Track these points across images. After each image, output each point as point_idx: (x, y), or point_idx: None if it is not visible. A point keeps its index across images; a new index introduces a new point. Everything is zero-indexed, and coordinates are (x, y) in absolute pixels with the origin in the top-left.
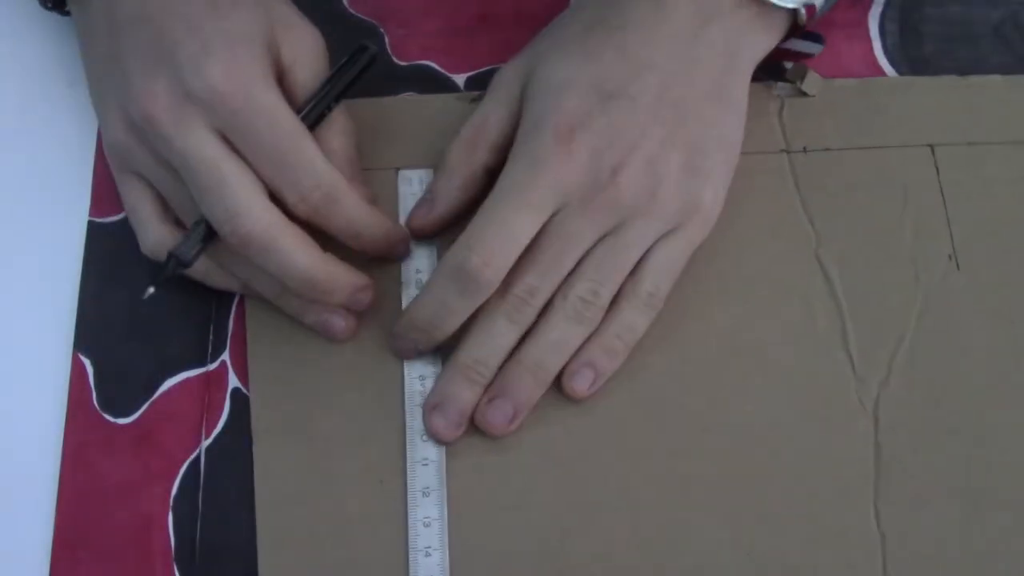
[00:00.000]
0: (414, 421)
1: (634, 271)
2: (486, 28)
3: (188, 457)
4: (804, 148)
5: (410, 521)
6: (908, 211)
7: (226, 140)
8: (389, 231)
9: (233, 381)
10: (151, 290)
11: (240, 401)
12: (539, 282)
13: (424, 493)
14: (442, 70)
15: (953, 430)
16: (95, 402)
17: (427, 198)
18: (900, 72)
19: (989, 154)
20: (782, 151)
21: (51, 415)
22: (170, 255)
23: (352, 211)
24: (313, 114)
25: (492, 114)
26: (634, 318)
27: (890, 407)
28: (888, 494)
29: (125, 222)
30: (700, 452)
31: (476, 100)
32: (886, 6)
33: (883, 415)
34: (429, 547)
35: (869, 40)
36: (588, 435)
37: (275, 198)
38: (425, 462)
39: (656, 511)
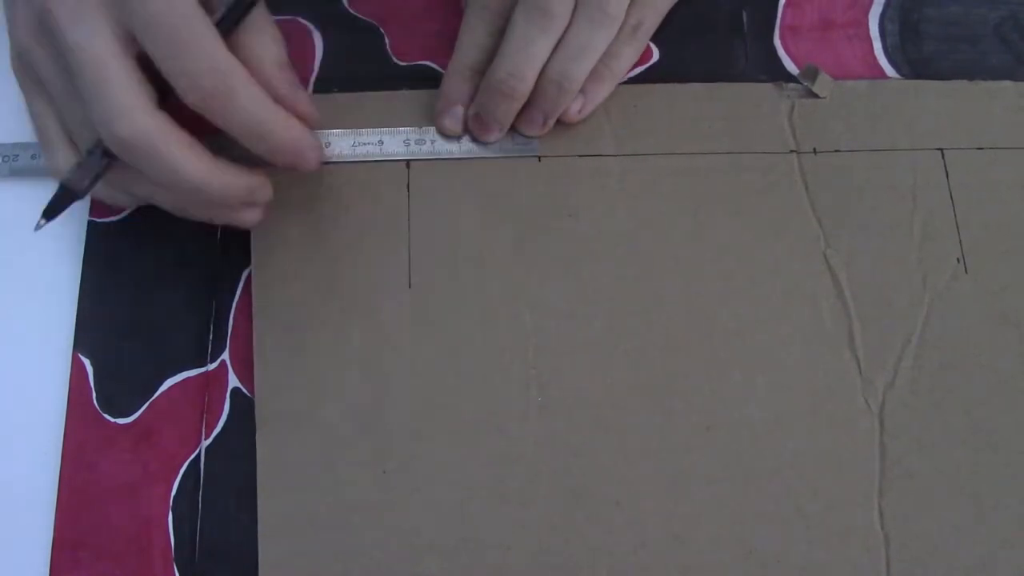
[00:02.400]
0: None
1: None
2: None
3: (188, 457)
4: (814, 149)
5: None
6: (917, 214)
7: (127, 40)
8: (297, 136)
9: (233, 381)
10: (43, 222)
11: (240, 401)
12: None
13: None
14: (442, 70)
15: (958, 432)
16: (95, 402)
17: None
18: (900, 72)
19: (998, 158)
20: (792, 152)
21: (51, 415)
22: (62, 185)
23: (252, 105)
24: (228, 15)
25: None
26: (619, 48)
27: (896, 409)
28: (892, 495)
29: (125, 222)
30: (704, 451)
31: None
32: (886, 6)
33: (888, 416)
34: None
35: (869, 40)
36: (590, 433)
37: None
38: None
39: (659, 509)
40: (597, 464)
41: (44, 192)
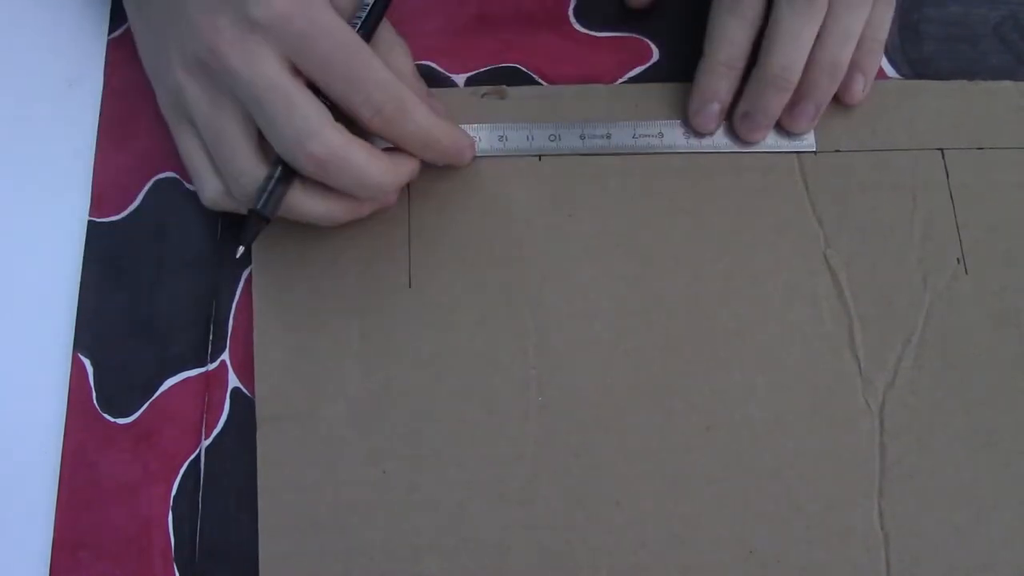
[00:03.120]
0: None
1: None
2: (486, 28)
3: (188, 457)
4: (814, 150)
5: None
6: (917, 214)
7: (291, 67)
8: (458, 138)
9: (233, 381)
10: (241, 249)
11: (240, 401)
12: None
13: None
14: (442, 70)
15: (958, 433)
16: (95, 402)
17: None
18: (900, 72)
19: (999, 159)
20: (792, 152)
21: (51, 415)
22: (251, 212)
23: (424, 121)
24: (362, 32)
25: None
26: (880, 14)
27: (896, 409)
28: (892, 495)
29: (125, 222)
30: (704, 451)
31: (487, 95)
32: None
33: (888, 416)
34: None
35: None
36: (590, 433)
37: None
38: None
39: (659, 509)
40: (597, 464)
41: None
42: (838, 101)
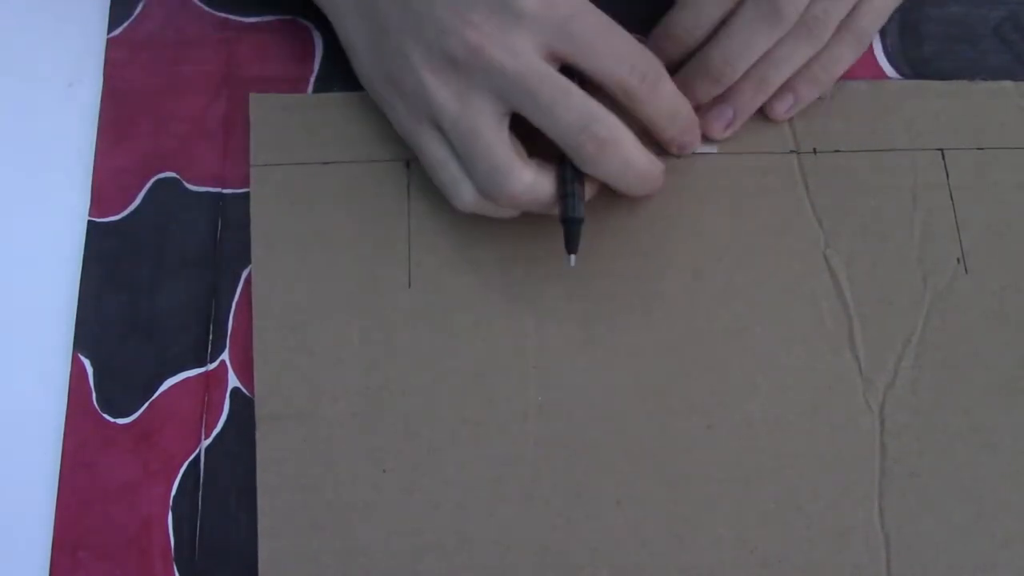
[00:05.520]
0: None
1: (852, 8)
2: None
3: (188, 457)
4: (814, 149)
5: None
6: (917, 214)
7: (549, 55)
8: (692, 112)
9: (233, 381)
10: (574, 258)
11: (240, 401)
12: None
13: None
14: None
15: (959, 433)
16: (95, 402)
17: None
18: (900, 72)
19: (999, 159)
20: (792, 152)
21: (51, 415)
22: (566, 221)
23: (673, 89)
24: None
25: None
26: (840, 52)
27: (896, 408)
28: (893, 495)
29: (125, 222)
30: (705, 450)
31: None
32: None
33: (889, 416)
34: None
35: None
36: (590, 432)
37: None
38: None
39: (660, 509)
40: (597, 464)
41: None
42: (762, 115)
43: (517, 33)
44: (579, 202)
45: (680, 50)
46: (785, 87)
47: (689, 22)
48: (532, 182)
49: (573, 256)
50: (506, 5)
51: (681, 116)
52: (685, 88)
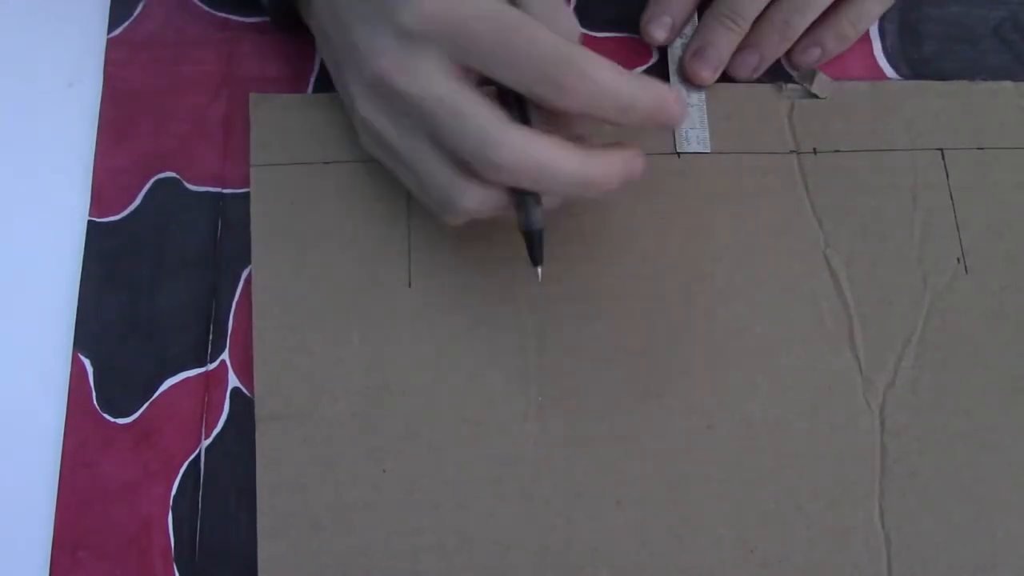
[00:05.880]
0: None
1: None
2: None
3: (188, 457)
4: (814, 150)
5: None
6: (917, 214)
7: (461, 70)
8: (657, 91)
9: (233, 381)
10: (540, 270)
11: (240, 401)
12: None
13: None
14: None
15: (959, 432)
16: (95, 402)
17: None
18: (900, 72)
19: (998, 159)
20: (792, 152)
21: (51, 415)
22: (525, 234)
23: (610, 79)
24: None
25: None
26: (870, 6)
27: (896, 408)
28: (893, 495)
29: (125, 222)
30: (705, 450)
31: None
32: None
33: (889, 416)
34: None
35: (869, 40)
36: (591, 431)
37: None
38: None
39: (660, 509)
40: (597, 464)
41: None
42: (795, 67)
43: (418, 55)
44: (534, 212)
45: (688, 7)
46: (812, 40)
47: None
48: (481, 199)
49: (539, 268)
50: (400, 28)
51: (637, 105)
52: (709, 43)
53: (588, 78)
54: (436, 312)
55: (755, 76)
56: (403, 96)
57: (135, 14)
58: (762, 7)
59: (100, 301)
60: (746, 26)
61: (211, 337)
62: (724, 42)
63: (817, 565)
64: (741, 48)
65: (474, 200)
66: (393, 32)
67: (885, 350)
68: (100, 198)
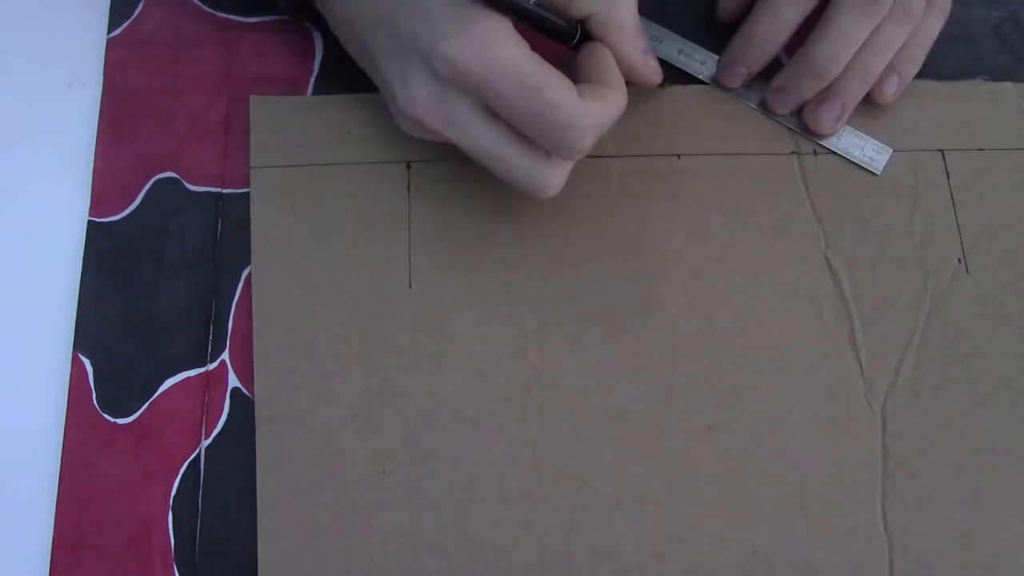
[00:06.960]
0: None
1: None
2: None
3: (188, 457)
4: (814, 150)
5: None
6: (918, 215)
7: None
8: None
9: (233, 381)
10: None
11: (240, 401)
12: None
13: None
14: None
15: (960, 433)
16: (95, 402)
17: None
18: None
19: (999, 160)
20: (792, 153)
21: (51, 415)
22: (559, 34)
23: (600, 132)
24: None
25: None
26: (931, 25)
27: (898, 409)
28: (895, 496)
29: (125, 222)
30: (705, 451)
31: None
32: None
33: (891, 417)
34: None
35: None
36: (590, 433)
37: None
38: None
39: (661, 510)
40: (597, 464)
41: None
42: (868, 101)
43: (449, 101)
44: (551, 16)
45: (764, 58)
46: (888, 69)
47: (767, 29)
48: (566, 173)
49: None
50: (435, 73)
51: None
52: (792, 86)
53: (598, 135)
54: (436, 313)
55: (839, 126)
56: (445, 138)
57: (135, 14)
58: (852, 54)
59: (100, 301)
60: (838, 74)
61: (211, 337)
62: (808, 89)
63: (818, 566)
64: (821, 99)
65: (562, 178)
66: (426, 77)
67: (886, 351)
68: (100, 198)
